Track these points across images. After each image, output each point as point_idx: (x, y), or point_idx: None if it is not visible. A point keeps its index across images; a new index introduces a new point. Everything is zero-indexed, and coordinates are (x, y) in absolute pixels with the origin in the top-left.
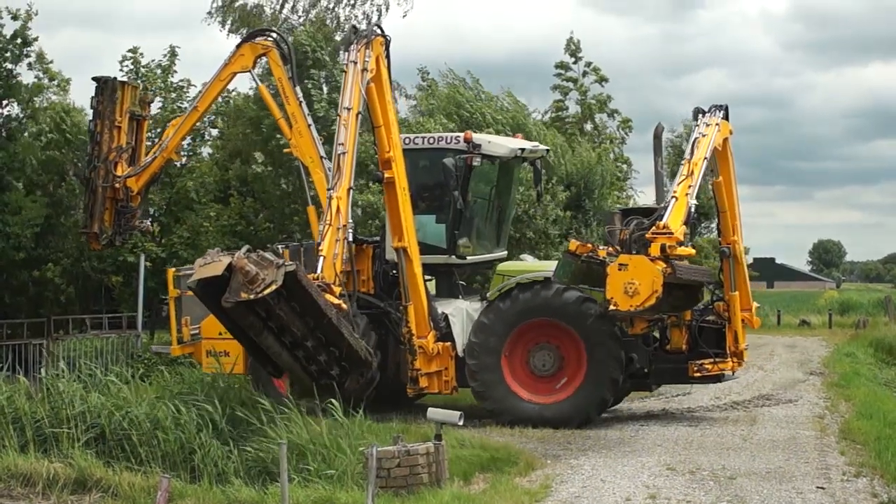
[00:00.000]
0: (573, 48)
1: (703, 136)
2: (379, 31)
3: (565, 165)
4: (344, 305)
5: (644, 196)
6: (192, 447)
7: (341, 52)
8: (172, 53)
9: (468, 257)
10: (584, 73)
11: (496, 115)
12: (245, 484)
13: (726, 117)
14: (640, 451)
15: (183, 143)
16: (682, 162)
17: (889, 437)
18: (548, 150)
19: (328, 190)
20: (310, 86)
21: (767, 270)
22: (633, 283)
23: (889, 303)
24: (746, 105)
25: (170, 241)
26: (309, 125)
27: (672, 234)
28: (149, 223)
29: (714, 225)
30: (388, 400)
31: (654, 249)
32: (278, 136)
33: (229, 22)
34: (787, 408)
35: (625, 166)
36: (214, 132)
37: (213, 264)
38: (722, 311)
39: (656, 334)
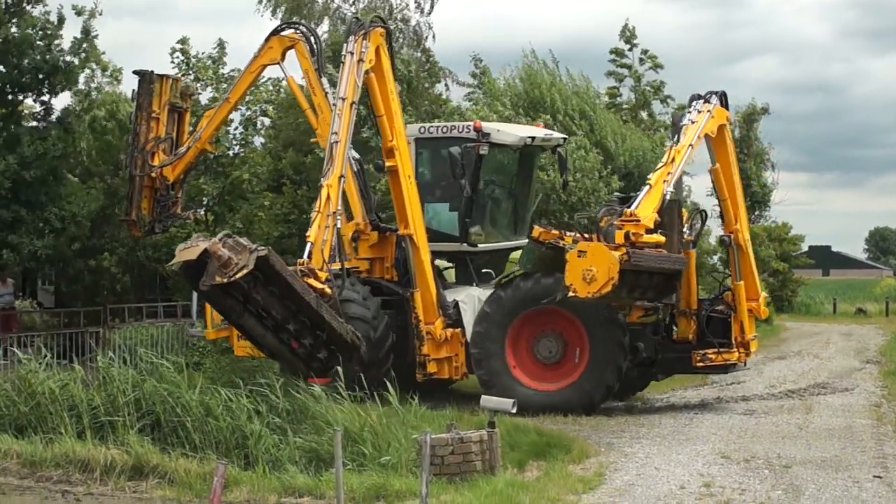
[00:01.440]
0: (628, 35)
1: (692, 122)
2: (380, 22)
3: (623, 156)
4: (328, 290)
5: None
6: (244, 433)
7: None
8: (221, 46)
9: (480, 245)
10: (640, 61)
11: (566, 103)
12: (300, 471)
13: (724, 104)
14: (694, 439)
15: (226, 132)
16: (665, 148)
17: None
18: (565, 139)
19: (320, 178)
20: None
21: (823, 259)
22: (591, 269)
23: None
24: (800, 92)
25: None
26: None
27: (639, 221)
28: (201, 212)
29: (768, 212)
30: (404, 384)
31: (619, 237)
32: None
33: (280, 12)
34: (843, 396)
35: None
36: (266, 122)
37: (191, 249)
38: (731, 300)
39: (666, 322)
